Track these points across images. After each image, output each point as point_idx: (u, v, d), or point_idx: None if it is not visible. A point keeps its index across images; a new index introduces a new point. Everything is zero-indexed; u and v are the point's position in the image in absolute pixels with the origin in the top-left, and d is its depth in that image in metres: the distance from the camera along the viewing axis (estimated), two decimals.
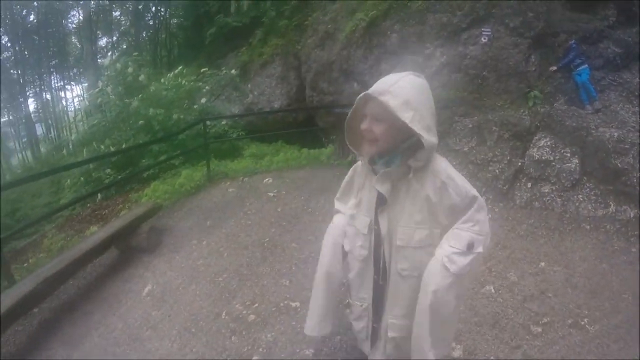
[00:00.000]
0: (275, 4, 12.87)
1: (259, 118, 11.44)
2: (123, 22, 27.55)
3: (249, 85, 11.84)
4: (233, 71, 11.78)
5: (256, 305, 3.62)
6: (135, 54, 12.92)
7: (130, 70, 10.08)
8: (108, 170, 8.82)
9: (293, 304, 3.57)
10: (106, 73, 11.37)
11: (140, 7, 24.18)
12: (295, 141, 10.20)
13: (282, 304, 3.58)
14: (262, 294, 3.78)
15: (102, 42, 28.87)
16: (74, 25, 28.95)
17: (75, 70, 30.34)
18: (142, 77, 10.03)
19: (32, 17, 26.66)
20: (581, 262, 4.27)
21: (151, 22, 25.01)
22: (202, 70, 11.88)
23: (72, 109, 31.75)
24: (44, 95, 29.98)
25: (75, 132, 14.48)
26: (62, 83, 31.44)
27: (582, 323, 3.32)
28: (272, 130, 10.78)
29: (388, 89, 1.46)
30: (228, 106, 11.89)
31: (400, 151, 1.57)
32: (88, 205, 8.27)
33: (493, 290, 3.74)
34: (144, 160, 8.77)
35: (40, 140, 28.39)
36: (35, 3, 25.73)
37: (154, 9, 24.55)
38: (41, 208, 11.85)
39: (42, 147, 26.84)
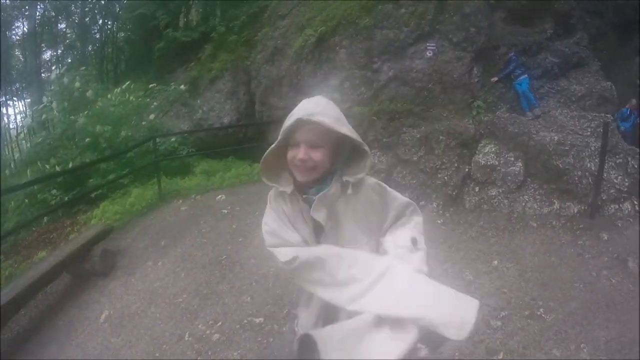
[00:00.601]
0: (225, 19, 12.80)
1: (209, 134, 11.19)
2: (69, 35, 26.30)
3: (198, 101, 11.65)
4: (182, 87, 11.51)
5: (219, 324, 3.52)
6: (83, 68, 12.32)
7: (77, 85, 9.63)
8: (54, 191, 8.28)
9: (257, 320, 3.50)
10: (51, 88, 10.77)
11: (87, 19, 23.28)
12: (246, 157, 9.89)
13: (245, 321, 3.51)
14: (224, 313, 3.69)
15: (47, 55, 27.35)
16: (18, 37, 27.28)
17: (17, 84, 28.51)
18: (89, 93, 9.58)
19: None
20: (532, 258, 4.50)
21: (98, 36, 24.09)
22: (151, 86, 11.57)
23: (15, 126, 29.90)
24: None
25: (18, 151, 13.59)
26: (3, 98, 29.47)
27: (539, 313, 3.49)
28: (222, 146, 10.50)
29: (318, 111, 1.38)
30: (177, 122, 11.57)
31: (334, 169, 1.50)
32: (34, 229, 7.75)
33: None
34: (91, 180, 8.30)
35: None
36: None
37: (100, 21, 23.75)
38: None
39: None
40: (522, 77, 6.98)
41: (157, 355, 3.24)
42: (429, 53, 7.27)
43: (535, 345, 3.10)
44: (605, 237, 4.81)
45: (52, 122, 9.99)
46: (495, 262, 4.41)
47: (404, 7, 7.59)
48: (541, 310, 3.53)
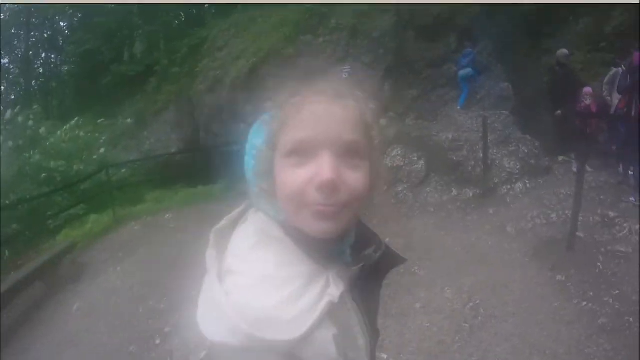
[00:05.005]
0: (168, 51, 14.20)
1: (159, 164, 12.23)
2: (12, 70, 27.03)
3: (145, 133, 12.84)
4: (129, 120, 12.79)
5: (165, 298, 4.90)
6: (35, 106, 13.31)
7: (30, 123, 10.77)
8: (14, 225, 9.29)
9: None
10: (7, 127, 11.70)
11: (30, 53, 24.15)
12: (195, 183, 10.77)
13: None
14: (169, 293, 4.96)
15: None
16: None
17: None
18: (42, 130, 10.74)
19: None
20: (421, 233, 5.80)
21: (41, 70, 25.07)
22: (99, 121, 12.76)
23: None
24: None
25: None
26: None
27: (413, 270, 4.62)
28: (171, 174, 11.58)
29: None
30: (126, 155, 12.62)
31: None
32: None
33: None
34: (49, 213, 9.30)
35: None
36: None
37: (44, 55, 24.69)
38: None
39: None
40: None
41: (118, 323, 4.57)
42: (344, 75, 8.73)
43: (405, 292, 4.13)
44: (491, 212, 6.19)
45: (8, 159, 10.87)
46: (388, 239, 5.73)
47: (321, 36, 9.26)
48: (416, 267, 4.63)
